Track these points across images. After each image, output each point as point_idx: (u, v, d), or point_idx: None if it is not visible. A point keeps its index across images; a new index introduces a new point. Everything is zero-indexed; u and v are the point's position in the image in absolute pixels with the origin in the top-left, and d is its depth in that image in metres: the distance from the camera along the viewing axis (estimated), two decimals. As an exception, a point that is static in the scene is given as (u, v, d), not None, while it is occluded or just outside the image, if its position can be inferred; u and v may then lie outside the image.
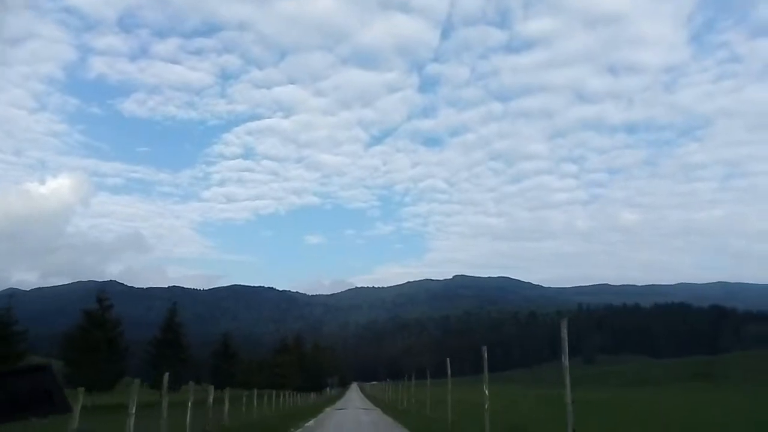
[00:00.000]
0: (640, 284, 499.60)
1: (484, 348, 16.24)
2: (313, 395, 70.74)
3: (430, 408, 22.44)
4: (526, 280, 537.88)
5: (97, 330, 45.85)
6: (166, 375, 15.38)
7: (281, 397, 40.89)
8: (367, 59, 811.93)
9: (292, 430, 17.97)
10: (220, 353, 75.32)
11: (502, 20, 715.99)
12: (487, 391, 11.73)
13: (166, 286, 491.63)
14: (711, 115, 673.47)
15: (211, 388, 20.18)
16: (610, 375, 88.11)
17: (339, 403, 46.67)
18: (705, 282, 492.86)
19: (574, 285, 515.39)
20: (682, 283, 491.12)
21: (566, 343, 8.93)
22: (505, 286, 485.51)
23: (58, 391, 1.56)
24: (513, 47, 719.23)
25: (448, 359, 17.45)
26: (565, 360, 9.08)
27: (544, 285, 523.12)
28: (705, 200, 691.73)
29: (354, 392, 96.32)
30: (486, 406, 12.15)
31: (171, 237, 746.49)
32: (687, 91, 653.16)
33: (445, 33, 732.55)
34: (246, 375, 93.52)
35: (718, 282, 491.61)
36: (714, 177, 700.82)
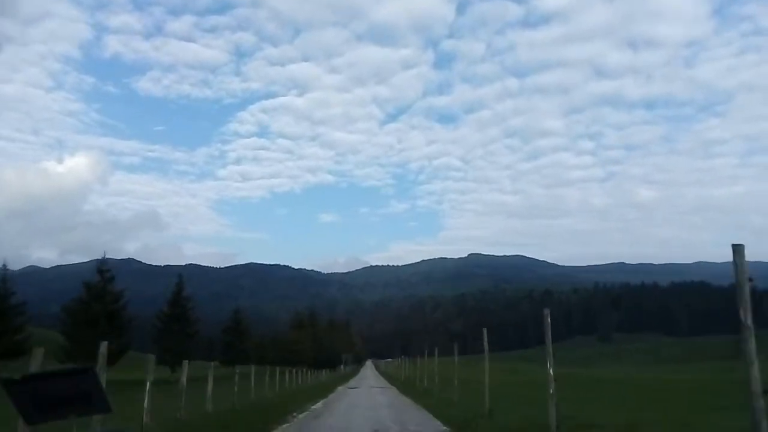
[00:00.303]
0: (656, 263, 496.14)
1: (484, 330, 15.54)
2: (325, 372, 69.94)
3: (456, 388, 20.52)
4: (541, 259, 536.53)
5: (96, 303, 44.98)
6: (104, 344, 13.99)
7: (291, 374, 40.09)
8: (381, 35, 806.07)
9: (295, 413, 15.92)
10: (230, 329, 74.06)
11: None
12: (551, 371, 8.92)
13: (183, 264, 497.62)
14: (732, 89, 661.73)
15: (211, 367, 18.57)
16: (625, 353, 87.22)
17: (352, 382, 45.18)
18: (724, 261, 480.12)
19: (589, 263, 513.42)
20: (700, 261, 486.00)
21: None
22: (519, 265, 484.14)
23: (98, 392, 1.71)
24: (530, 22, 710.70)
25: (485, 330, 16.09)
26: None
27: (559, 263, 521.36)
28: (724, 176, 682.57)
29: (369, 369, 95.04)
30: (551, 391, 8.51)
31: (187, 215, 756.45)
32: (708, 65, 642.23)
33: (461, 8, 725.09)
34: (259, 351, 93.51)
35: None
36: (734, 153, 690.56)
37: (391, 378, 49.76)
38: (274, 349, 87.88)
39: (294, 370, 43.71)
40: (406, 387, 31.45)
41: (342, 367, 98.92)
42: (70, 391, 1.88)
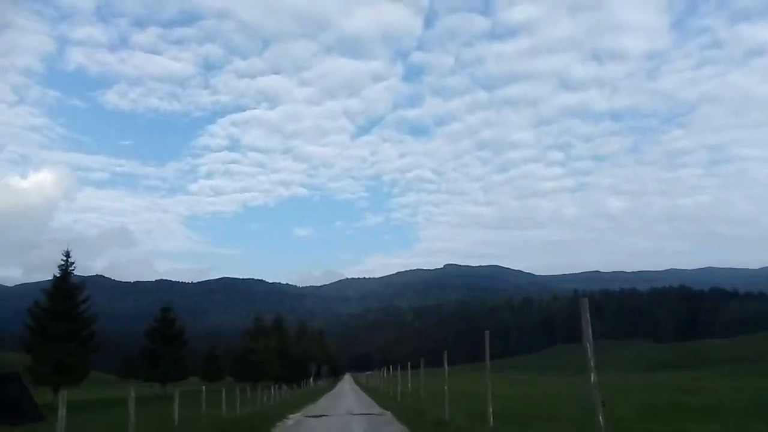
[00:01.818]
0: (629, 270, 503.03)
1: (486, 333, 13.21)
2: (285, 389, 50.47)
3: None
4: (516, 268, 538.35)
5: (62, 322, 41.62)
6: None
7: (242, 392, 28.62)
8: (351, 48, 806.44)
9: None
10: (156, 333, 60.31)
11: (486, 7, 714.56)
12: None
13: (154, 279, 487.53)
14: (694, 101, 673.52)
15: (130, 392, 12.72)
16: (614, 360, 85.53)
17: (321, 401, 31.72)
18: (693, 267, 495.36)
19: (564, 273, 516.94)
20: (671, 269, 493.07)
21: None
22: (495, 275, 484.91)
23: (27, 399, 1.53)
24: (497, 34, 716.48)
25: (486, 333, 13.05)
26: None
27: (534, 273, 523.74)
28: (690, 186, 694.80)
29: (347, 383, 79.76)
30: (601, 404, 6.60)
31: (159, 231, 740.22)
32: (670, 77, 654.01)
33: (429, 21, 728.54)
34: (209, 365, 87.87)
35: (707, 267, 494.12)
36: (698, 163, 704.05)
37: (378, 394, 37.83)
38: (226, 361, 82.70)
39: (247, 388, 35.57)
40: (411, 414, 18.91)
41: (311, 381, 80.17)
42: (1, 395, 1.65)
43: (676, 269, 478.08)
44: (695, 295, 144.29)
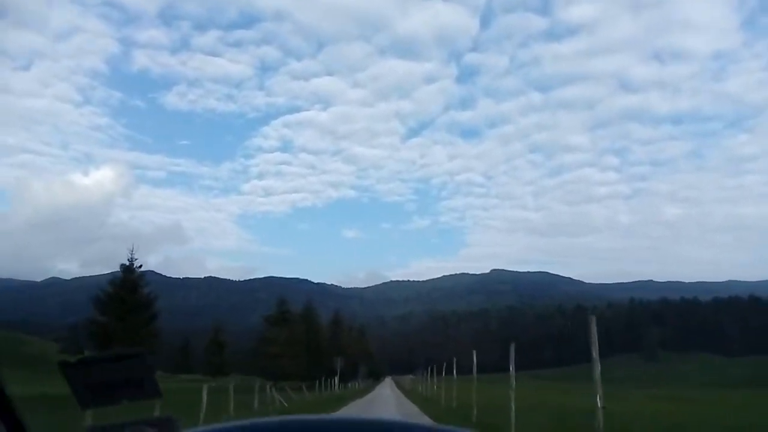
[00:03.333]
0: (687, 281, 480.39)
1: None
2: (320, 390, 45.85)
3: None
4: (565, 275, 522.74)
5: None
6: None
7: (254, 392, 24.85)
8: (405, 49, 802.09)
9: None
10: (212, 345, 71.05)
11: (544, 6, 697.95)
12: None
13: (203, 276, 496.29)
14: (762, 104, 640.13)
15: None
16: (680, 373, 78.14)
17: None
18: (756, 280, 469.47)
19: (616, 281, 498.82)
20: (731, 280, 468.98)
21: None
22: (544, 281, 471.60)
23: (149, 377, 1.72)
24: (554, 34, 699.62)
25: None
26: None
27: (585, 280, 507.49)
28: (755, 194, 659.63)
29: (387, 388, 68.92)
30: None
31: (211, 229, 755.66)
32: (737, 78, 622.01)
33: (485, 21, 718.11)
34: (213, 357, 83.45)
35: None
36: (765, 170, 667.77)
37: (433, 405, 27.14)
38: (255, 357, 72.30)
39: (269, 386, 29.39)
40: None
41: (335, 380, 58.65)
42: (123, 375, 1.97)
43: (737, 281, 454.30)
44: (764, 306, 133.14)
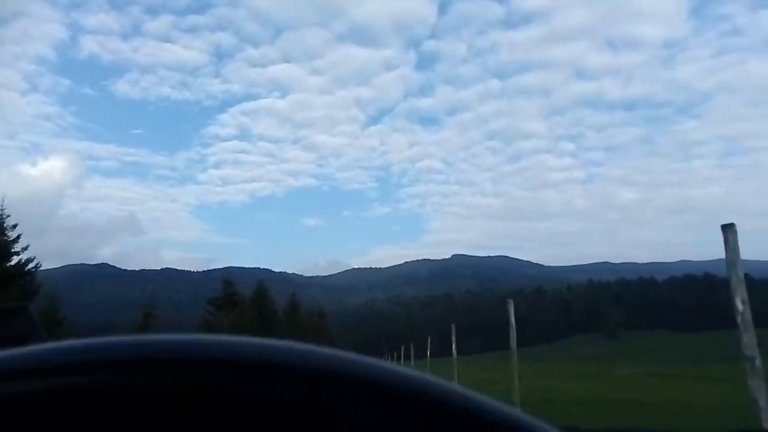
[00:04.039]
0: (641, 262, 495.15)
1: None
2: None
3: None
4: (525, 259, 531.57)
5: None
6: None
7: None
8: (363, 36, 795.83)
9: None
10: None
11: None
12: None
13: (160, 268, 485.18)
14: (711, 90, 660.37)
15: None
16: (641, 351, 79.07)
17: None
18: (705, 259, 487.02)
19: (574, 263, 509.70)
20: (683, 260, 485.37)
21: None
22: (504, 265, 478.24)
23: (36, 333, 1.59)
24: (511, 22, 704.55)
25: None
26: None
27: (544, 264, 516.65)
28: (703, 177, 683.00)
29: None
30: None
31: (167, 220, 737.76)
32: (686, 66, 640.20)
33: (443, 7, 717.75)
34: None
35: (719, 259, 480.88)
36: (713, 154, 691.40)
37: None
38: None
39: None
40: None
41: None
42: (5, 331, 1.86)
43: (688, 261, 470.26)
44: (719, 283, 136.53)
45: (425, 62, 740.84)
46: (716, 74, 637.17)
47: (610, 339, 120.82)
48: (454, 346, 22.61)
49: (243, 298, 62.18)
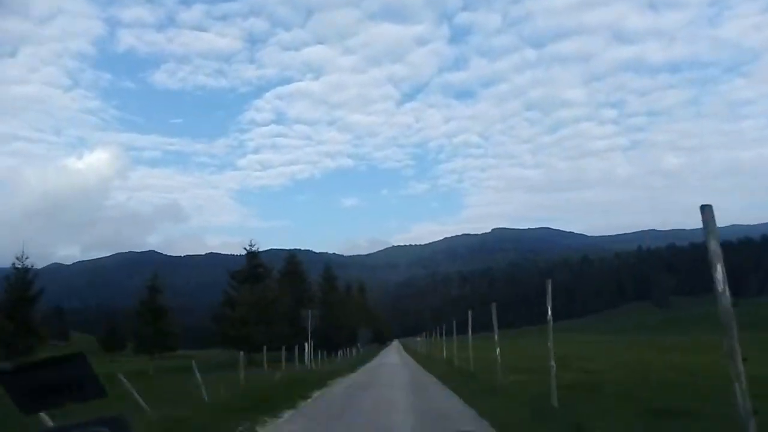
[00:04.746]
0: (688, 228, 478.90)
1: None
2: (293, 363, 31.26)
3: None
4: (568, 230, 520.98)
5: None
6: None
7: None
8: (394, 12, 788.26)
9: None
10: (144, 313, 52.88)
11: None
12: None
13: (204, 253, 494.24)
14: (758, 48, 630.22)
15: None
16: (694, 318, 75.18)
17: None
18: (757, 222, 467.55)
19: (619, 233, 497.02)
20: (733, 224, 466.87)
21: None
22: (546, 237, 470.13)
23: (91, 377, 1.86)
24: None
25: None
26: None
27: (587, 234, 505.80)
28: (752, 138, 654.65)
29: (394, 355, 56.34)
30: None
31: (209, 206, 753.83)
32: (732, 23, 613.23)
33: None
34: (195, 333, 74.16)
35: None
36: (762, 113, 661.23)
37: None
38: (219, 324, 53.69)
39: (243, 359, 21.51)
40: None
41: (307, 356, 35.85)
42: (63, 378, 2.13)
43: (738, 225, 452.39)
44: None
45: (458, 35, 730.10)
46: (764, 31, 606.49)
47: (661, 306, 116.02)
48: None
49: (269, 270, 57.75)
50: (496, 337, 15.71)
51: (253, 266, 55.42)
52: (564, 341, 39.46)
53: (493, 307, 15.69)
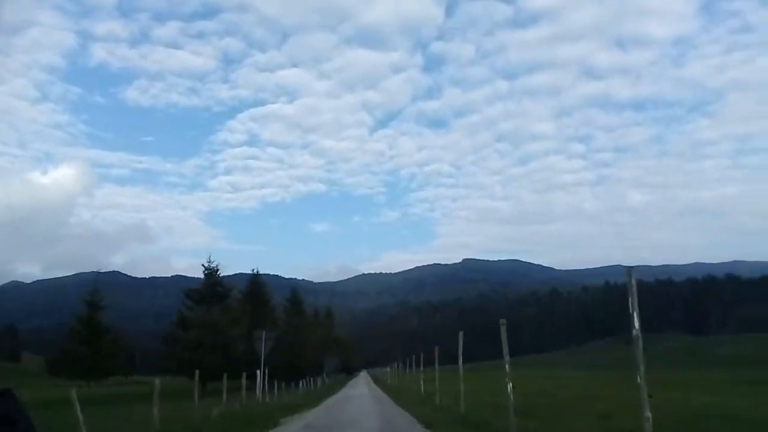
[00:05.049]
0: (654, 264, 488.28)
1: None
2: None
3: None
4: (536, 263, 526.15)
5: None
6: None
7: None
8: (370, 39, 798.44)
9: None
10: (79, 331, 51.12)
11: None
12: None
13: (170, 275, 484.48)
14: (722, 88, 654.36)
15: None
16: (663, 355, 75.95)
17: None
18: (718, 261, 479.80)
19: (586, 267, 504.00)
20: (696, 262, 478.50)
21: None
22: (515, 269, 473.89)
23: (22, 417, 1.68)
24: (519, 22, 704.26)
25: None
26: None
27: (555, 267, 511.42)
28: (715, 179, 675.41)
29: (362, 386, 52.79)
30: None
31: (177, 227, 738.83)
32: (696, 64, 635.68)
33: (450, 9, 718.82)
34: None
35: (734, 261, 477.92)
36: (724, 154, 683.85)
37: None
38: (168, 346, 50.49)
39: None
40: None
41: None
42: None
43: (701, 263, 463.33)
44: (744, 285, 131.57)
45: (433, 64, 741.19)
46: (727, 72, 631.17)
47: (629, 343, 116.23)
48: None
49: (228, 290, 52.96)
50: (508, 366, 15.10)
51: (211, 285, 50.99)
52: (537, 377, 39.17)
53: (460, 335, 15.30)
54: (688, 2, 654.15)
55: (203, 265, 51.33)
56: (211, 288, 50.33)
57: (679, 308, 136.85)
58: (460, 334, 16.43)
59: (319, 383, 57.05)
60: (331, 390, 43.39)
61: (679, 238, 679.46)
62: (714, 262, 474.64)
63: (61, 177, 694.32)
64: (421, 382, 25.60)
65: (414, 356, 34.08)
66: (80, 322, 46.98)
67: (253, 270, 62.86)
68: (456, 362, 19.87)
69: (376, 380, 70.80)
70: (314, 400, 28.95)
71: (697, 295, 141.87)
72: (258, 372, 28.06)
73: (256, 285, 59.98)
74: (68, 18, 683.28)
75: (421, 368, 26.00)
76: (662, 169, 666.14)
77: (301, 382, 46.09)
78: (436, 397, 20.83)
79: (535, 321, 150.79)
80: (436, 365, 20.96)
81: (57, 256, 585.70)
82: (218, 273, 51.48)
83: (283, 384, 38.98)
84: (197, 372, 19.01)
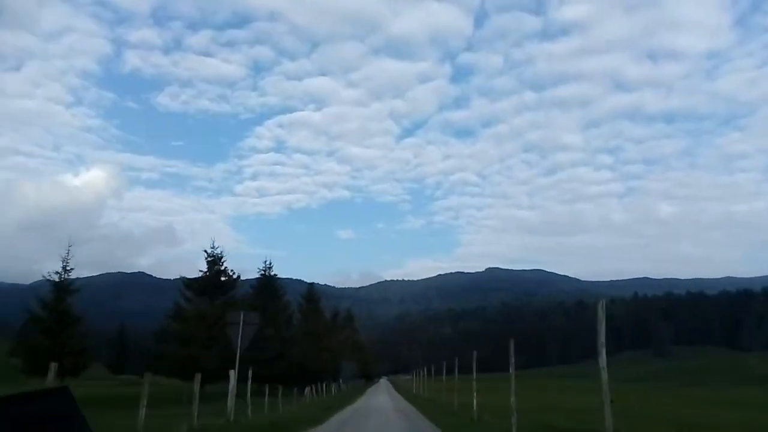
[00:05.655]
0: (682, 278, 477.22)
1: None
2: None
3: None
4: (562, 273, 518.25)
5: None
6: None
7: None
8: (399, 49, 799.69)
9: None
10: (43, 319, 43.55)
11: (537, 6, 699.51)
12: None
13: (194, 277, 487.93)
14: (755, 102, 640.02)
15: None
16: (700, 370, 72.65)
17: None
18: (751, 276, 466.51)
19: (612, 278, 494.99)
20: (727, 276, 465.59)
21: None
22: (540, 279, 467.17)
23: (75, 412, 1.73)
24: (548, 34, 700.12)
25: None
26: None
27: (581, 278, 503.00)
28: (747, 192, 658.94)
29: (382, 394, 48.84)
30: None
31: (204, 231, 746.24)
32: (729, 77, 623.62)
33: (479, 21, 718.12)
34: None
35: (765, 276, 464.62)
36: (756, 167, 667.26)
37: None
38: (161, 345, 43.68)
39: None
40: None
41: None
42: (46, 412, 2.01)
43: (732, 277, 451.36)
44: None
45: (460, 75, 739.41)
46: (761, 85, 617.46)
47: (658, 355, 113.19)
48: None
49: (235, 280, 45.34)
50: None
51: (214, 273, 43.07)
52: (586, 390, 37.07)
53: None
54: (723, 15, 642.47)
55: (205, 251, 43.74)
56: (214, 277, 42.96)
57: (714, 322, 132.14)
58: (511, 341, 14.38)
59: (333, 390, 52.84)
60: (346, 399, 38.52)
61: (710, 252, 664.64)
62: (746, 276, 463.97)
63: (92, 179, 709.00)
64: (456, 395, 22.83)
65: (436, 364, 32.47)
66: (45, 308, 38.92)
67: (265, 262, 54.75)
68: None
69: (398, 388, 67.72)
70: (319, 413, 22.78)
71: (733, 309, 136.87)
72: (231, 373, 18.54)
73: (267, 278, 53.39)
74: (104, 25, 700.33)
75: (455, 376, 23.18)
76: (692, 181, 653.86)
77: (306, 389, 39.70)
78: (474, 411, 18.18)
79: (563, 331, 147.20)
80: (474, 374, 19.06)
81: (84, 256, 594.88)
82: (222, 260, 43.68)
83: (294, 389, 36.77)
84: (197, 374, 16.48)
